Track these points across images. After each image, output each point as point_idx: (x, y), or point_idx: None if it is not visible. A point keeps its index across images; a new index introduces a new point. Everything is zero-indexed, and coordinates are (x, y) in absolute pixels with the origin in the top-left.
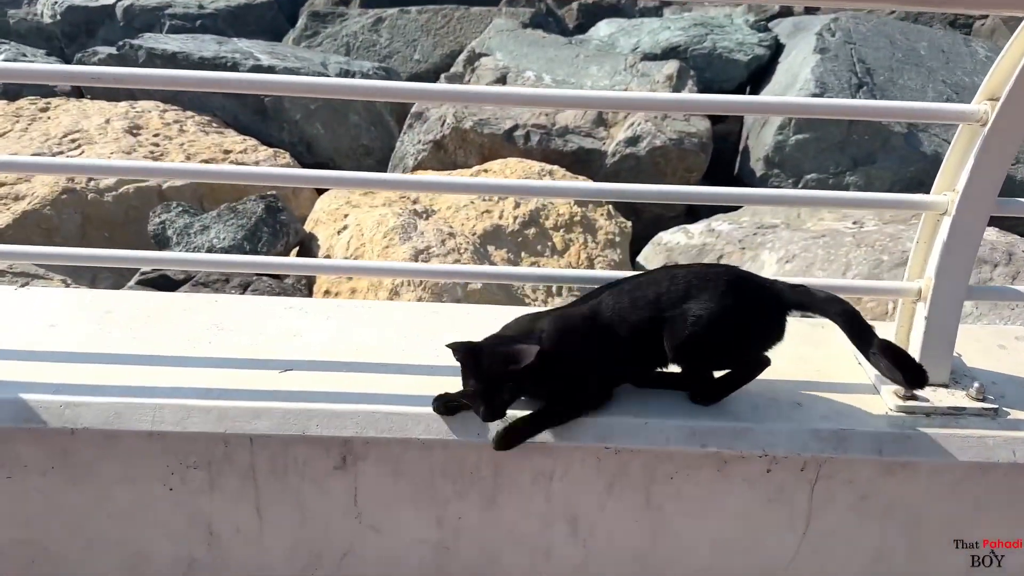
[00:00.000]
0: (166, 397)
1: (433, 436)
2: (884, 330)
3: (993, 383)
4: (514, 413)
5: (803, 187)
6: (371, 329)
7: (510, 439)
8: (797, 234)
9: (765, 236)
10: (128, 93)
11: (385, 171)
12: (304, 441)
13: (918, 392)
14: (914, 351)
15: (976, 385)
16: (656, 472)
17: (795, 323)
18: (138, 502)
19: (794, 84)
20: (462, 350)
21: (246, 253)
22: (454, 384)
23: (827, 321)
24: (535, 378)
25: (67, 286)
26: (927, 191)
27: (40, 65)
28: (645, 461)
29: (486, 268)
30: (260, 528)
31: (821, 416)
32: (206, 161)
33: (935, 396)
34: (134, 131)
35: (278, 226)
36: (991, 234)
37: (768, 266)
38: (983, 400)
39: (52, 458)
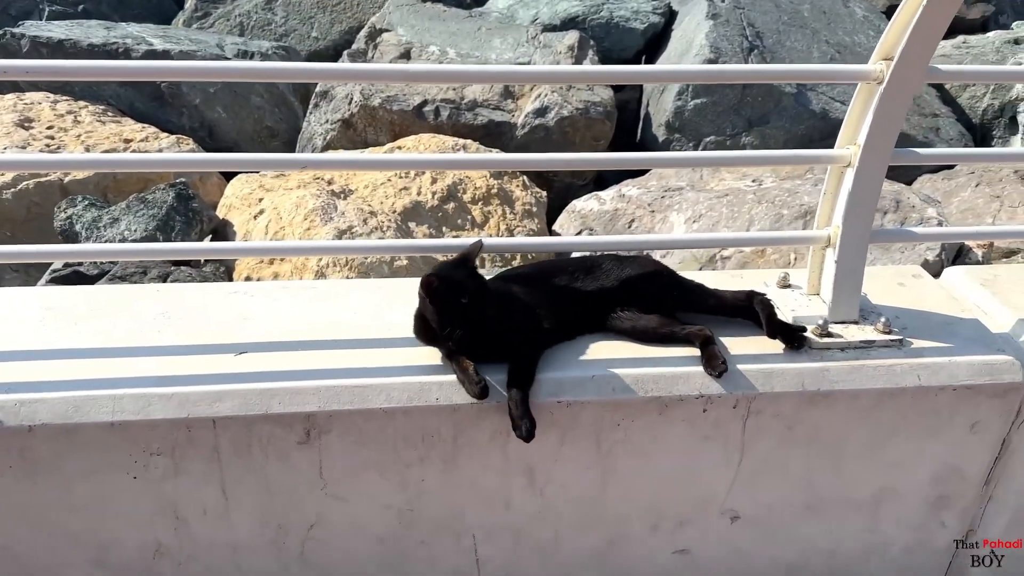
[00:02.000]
0: (125, 387)
1: (394, 404)
2: (798, 276)
3: (896, 317)
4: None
5: (703, 149)
6: (319, 308)
7: (522, 413)
8: (702, 195)
9: (672, 198)
10: (12, 84)
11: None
12: (268, 419)
13: (832, 329)
14: (826, 292)
15: (883, 320)
16: (604, 421)
17: (720, 279)
18: (101, 494)
19: (689, 50)
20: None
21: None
22: (411, 354)
23: (746, 274)
24: (487, 306)
25: None
26: (818, 146)
27: None
28: (594, 411)
29: (419, 241)
30: (227, 507)
31: (749, 357)
32: (108, 152)
33: (847, 332)
34: (25, 124)
35: (191, 214)
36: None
37: (677, 227)
38: (889, 332)
39: (9, 457)
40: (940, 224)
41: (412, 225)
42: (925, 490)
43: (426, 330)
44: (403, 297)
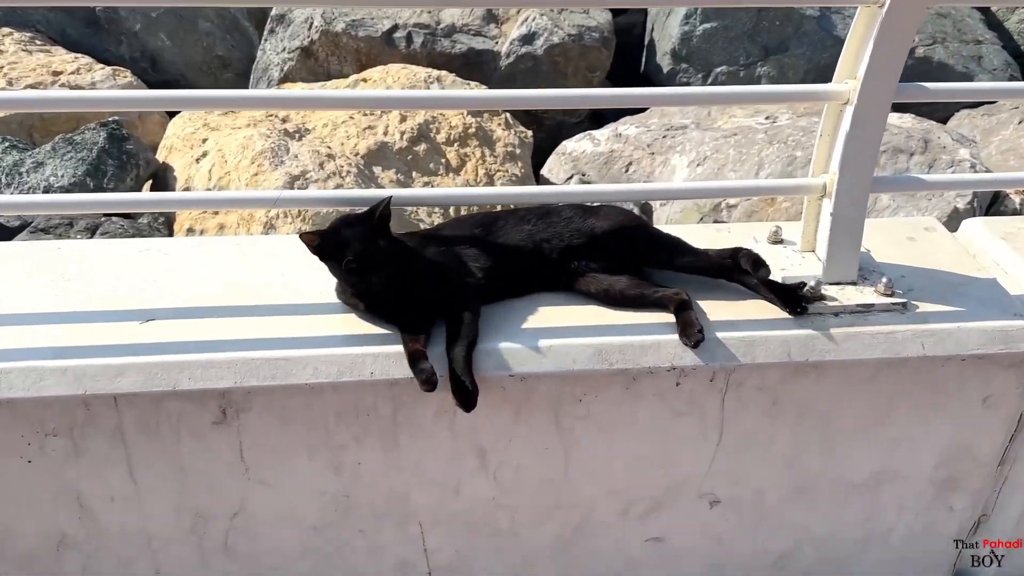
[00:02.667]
0: (13, 360)
1: (322, 379)
2: (790, 230)
3: (902, 276)
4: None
5: (713, 81)
6: (245, 268)
7: (458, 377)
8: (708, 134)
9: (675, 138)
10: None
11: (246, 86)
12: (176, 396)
13: (826, 292)
14: (821, 249)
15: (884, 280)
16: (563, 395)
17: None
18: None
19: None
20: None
21: (90, 190)
22: (345, 322)
23: (733, 227)
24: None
25: None
26: None
27: None
28: (551, 385)
29: (380, 192)
30: (137, 493)
31: (729, 324)
32: (32, 86)
33: (843, 294)
34: None
35: (125, 157)
36: (907, 121)
37: (679, 170)
38: (891, 295)
39: None
40: (974, 168)
41: (377, 170)
42: (930, 471)
43: (347, 297)
44: None
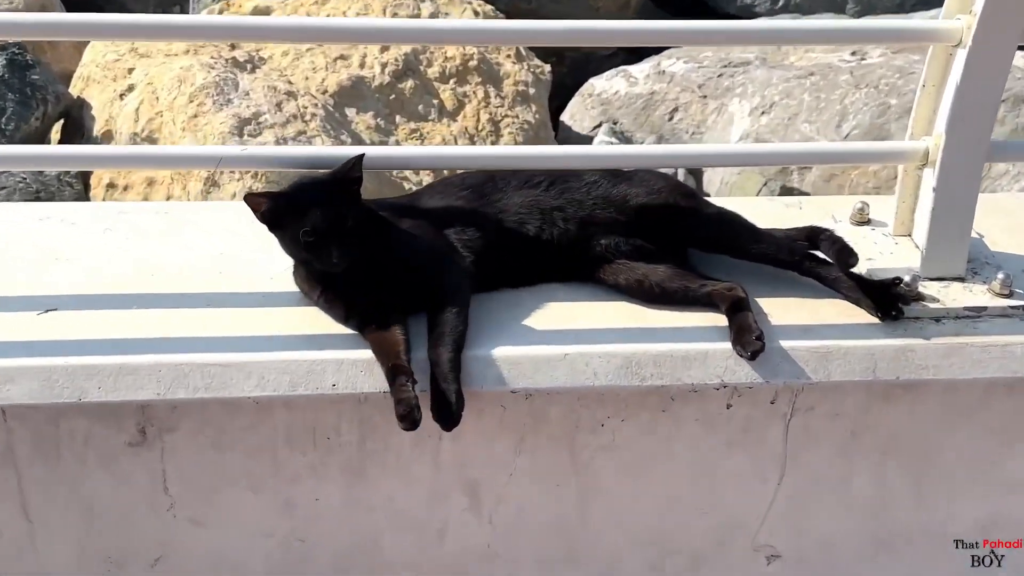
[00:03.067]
0: None
1: (270, 392)
2: (882, 208)
3: None
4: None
5: (784, 6)
6: (174, 244)
7: (450, 382)
8: (776, 73)
9: (734, 78)
10: None
11: (186, 2)
12: (82, 411)
13: (925, 290)
14: (919, 233)
15: (1001, 276)
16: (580, 419)
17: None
18: None
19: None
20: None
21: None
22: (303, 318)
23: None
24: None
25: None
26: None
27: None
28: (565, 405)
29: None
30: (30, 532)
31: (798, 330)
32: None
33: (947, 294)
34: None
35: (29, 90)
36: None
37: (739, 120)
38: (1011, 295)
39: None
40: None
41: (351, 112)
42: None
43: (306, 280)
44: None
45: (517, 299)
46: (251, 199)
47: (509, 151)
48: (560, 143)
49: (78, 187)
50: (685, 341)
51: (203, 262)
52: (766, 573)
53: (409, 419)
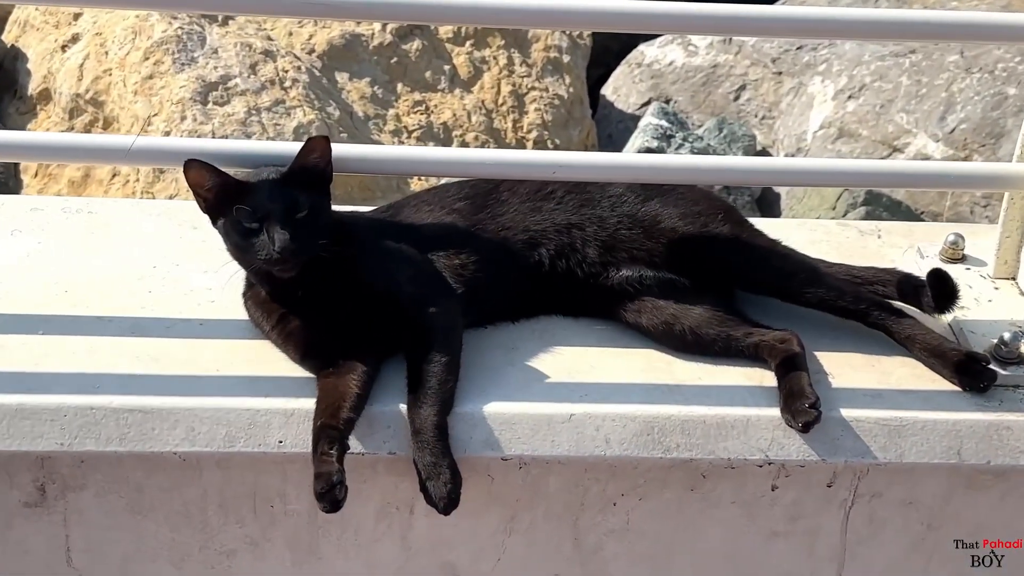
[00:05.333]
0: None
1: (200, 448)
2: (981, 242)
3: None
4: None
5: None
6: (96, 253)
7: (437, 458)
8: (869, 48)
9: (817, 51)
10: None
11: None
12: None
13: None
14: None
15: None
16: (588, 495)
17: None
18: None
19: None
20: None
21: None
22: (249, 353)
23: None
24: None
25: None
26: None
27: None
28: (569, 477)
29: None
30: None
31: (865, 395)
32: None
33: None
34: None
35: None
36: None
37: (820, 104)
38: None
39: None
40: None
41: (342, 78)
42: None
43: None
44: None
45: (514, 338)
46: (192, 170)
47: (522, 158)
48: (598, 123)
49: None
50: (722, 404)
51: (130, 277)
52: None
53: (328, 498)
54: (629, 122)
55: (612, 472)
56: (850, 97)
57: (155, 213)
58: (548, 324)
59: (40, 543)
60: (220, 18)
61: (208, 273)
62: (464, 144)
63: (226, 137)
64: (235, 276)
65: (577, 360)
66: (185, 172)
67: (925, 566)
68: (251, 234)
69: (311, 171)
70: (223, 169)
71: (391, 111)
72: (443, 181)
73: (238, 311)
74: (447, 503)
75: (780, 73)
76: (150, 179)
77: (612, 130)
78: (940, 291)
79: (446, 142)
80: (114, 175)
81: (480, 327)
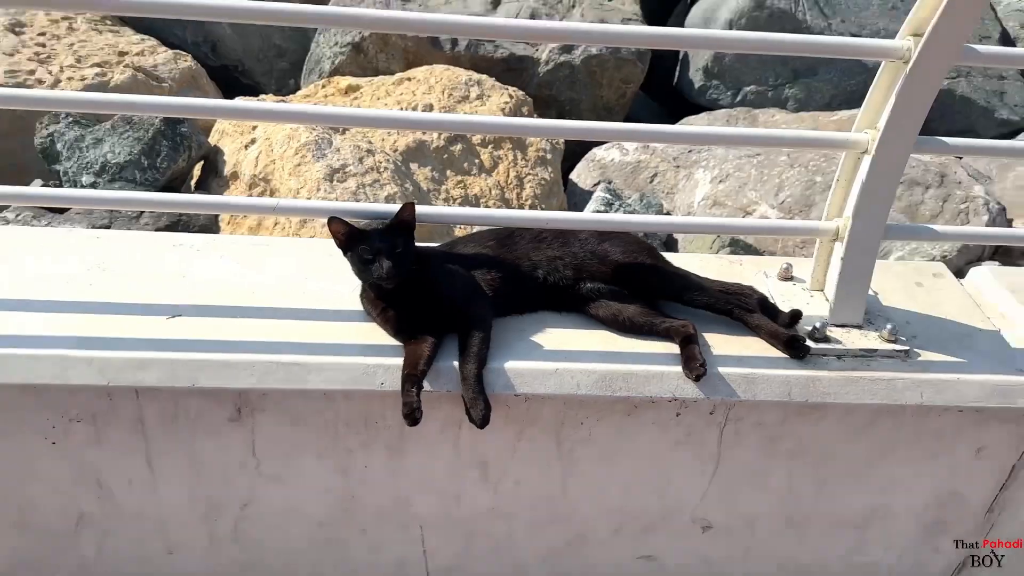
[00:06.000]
0: (42, 347)
1: (335, 387)
2: (802, 267)
3: (907, 323)
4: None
5: (742, 99)
6: (269, 269)
7: (476, 394)
8: (732, 152)
9: (700, 154)
10: None
11: (300, 76)
12: (195, 393)
13: (831, 333)
14: (829, 290)
15: (889, 327)
16: (566, 418)
17: (717, 265)
18: (16, 457)
19: None
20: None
21: (144, 169)
22: (363, 331)
23: (746, 260)
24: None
25: None
26: None
27: None
28: (555, 407)
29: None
30: (153, 480)
31: (732, 359)
32: (99, 65)
33: (847, 337)
34: (16, 29)
35: (179, 139)
36: (924, 156)
37: (702, 185)
38: (895, 342)
39: None
40: (988, 205)
41: (414, 167)
42: (920, 514)
43: (369, 302)
44: None
45: (521, 324)
46: (333, 224)
47: (524, 215)
48: (568, 196)
49: (211, 217)
50: (647, 364)
51: (291, 283)
52: (701, 539)
53: (410, 418)
54: (586, 195)
55: (581, 404)
56: (720, 181)
57: (305, 246)
58: (543, 316)
59: (237, 443)
60: (341, 129)
61: (339, 283)
62: (486, 207)
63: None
64: (357, 286)
65: (560, 337)
66: (328, 224)
67: (768, 463)
68: (368, 263)
69: (404, 223)
70: (349, 221)
71: (443, 187)
72: (475, 228)
73: (357, 305)
74: (482, 422)
75: (679, 166)
76: (298, 226)
77: (576, 200)
78: (793, 316)
79: (475, 206)
80: (276, 223)
81: (502, 317)
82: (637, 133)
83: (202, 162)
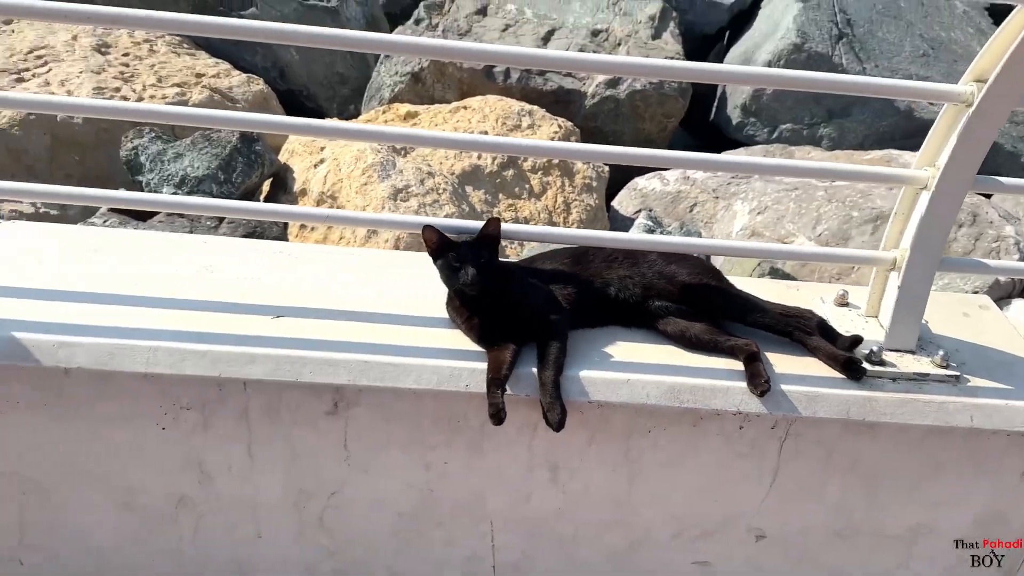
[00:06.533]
0: (160, 339)
1: (424, 386)
2: (858, 294)
3: (956, 350)
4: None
5: (777, 137)
6: (358, 277)
7: (553, 400)
8: (770, 185)
9: (739, 186)
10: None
11: (361, 102)
12: (298, 387)
13: (887, 357)
14: (885, 317)
15: (940, 353)
16: (635, 425)
17: (775, 289)
18: (130, 440)
19: (775, 32)
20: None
21: (220, 183)
22: (449, 337)
23: (803, 286)
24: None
25: (37, 210)
26: (899, 145)
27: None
28: (625, 415)
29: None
30: (251, 467)
31: (794, 378)
32: (179, 85)
33: (901, 362)
34: (102, 49)
35: (253, 156)
36: None
37: (740, 216)
38: (946, 367)
39: (45, 396)
40: (1019, 244)
41: (469, 189)
42: (965, 532)
43: (455, 310)
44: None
45: (593, 337)
46: (427, 232)
47: (596, 234)
48: (610, 222)
49: (280, 226)
50: (713, 379)
51: (379, 289)
52: (755, 547)
53: (496, 417)
54: (627, 222)
55: (650, 413)
56: (759, 214)
57: (385, 258)
58: (614, 330)
59: (331, 434)
60: (403, 152)
61: (431, 292)
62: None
63: None
64: (433, 295)
65: (630, 349)
66: (423, 231)
67: (823, 477)
68: (456, 270)
69: (490, 237)
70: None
71: (495, 209)
72: (536, 246)
73: (443, 313)
74: (558, 425)
75: (717, 197)
76: (363, 239)
77: (617, 226)
78: (853, 341)
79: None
80: (340, 236)
81: (576, 330)
82: (694, 161)
83: (271, 179)
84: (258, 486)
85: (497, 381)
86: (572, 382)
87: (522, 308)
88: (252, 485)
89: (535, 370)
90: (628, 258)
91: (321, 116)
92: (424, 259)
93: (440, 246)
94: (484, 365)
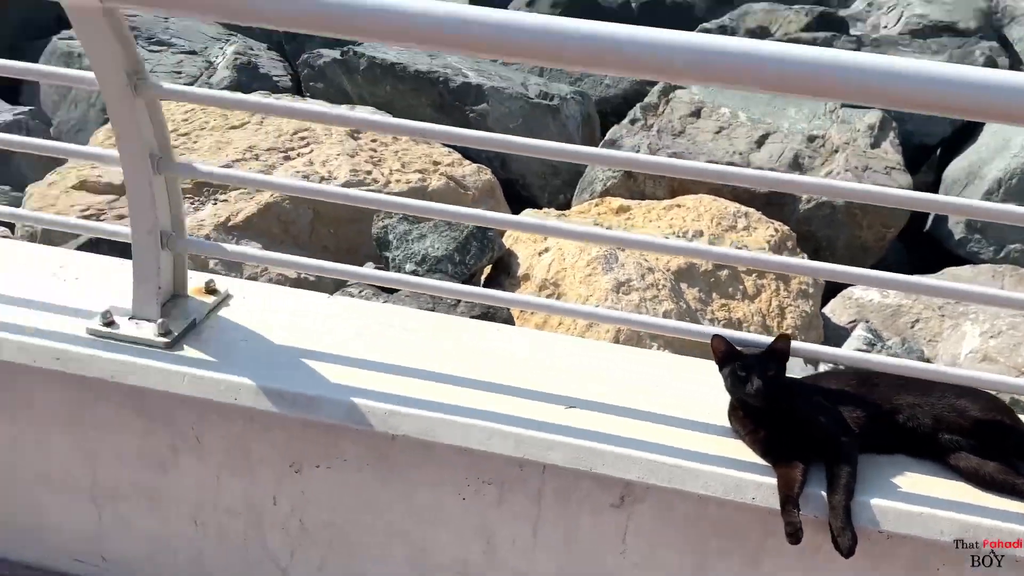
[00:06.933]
0: (474, 418)
1: (710, 493)
2: None
3: None
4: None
5: (1004, 257)
6: (634, 374)
7: (843, 524)
8: (1004, 311)
9: (968, 306)
10: (344, 96)
11: (572, 193)
12: (591, 477)
13: None
14: None
15: None
16: (921, 560)
17: None
18: (434, 506)
19: (1006, 148)
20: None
21: (455, 263)
22: (732, 447)
23: None
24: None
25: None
26: None
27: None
28: (914, 548)
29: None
30: (534, 545)
31: None
32: (420, 171)
33: None
34: (355, 135)
35: (486, 241)
36: None
37: (970, 339)
38: None
39: (370, 456)
40: None
41: (684, 286)
42: None
43: (738, 420)
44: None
45: (880, 463)
46: (716, 340)
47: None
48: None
49: (506, 313)
50: (1012, 523)
51: (655, 389)
52: None
53: (795, 537)
54: (840, 331)
55: (942, 550)
56: (992, 337)
57: (661, 359)
58: (901, 459)
59: (612, 527)
60: (626, 251)
61: (711, 399)
62: (747, 332)
63: None
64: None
65: (919, 481)
66: (712, 340)
67: None
68: (742, 380)
69: (779, 352)
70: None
71: (709, 307)
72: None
73: (725, 421)
74: (848, 552)
75: (944, 316)
76: (583, 328)
77: (829, 335)
78: None
79: (738, 329)
80: (560, 322)
81: (862, 454)
82: (922, 287)
83: (496, 263)
84: (535, 564)
85: (792, 500)
86: (862, 507)
87: (810, 426)
88: (530, 562)
89: (820, 491)
90: (918, 386)
91: (534, 205)
92: (681, 362)
93: (726, 355)
94: (769, 479)
